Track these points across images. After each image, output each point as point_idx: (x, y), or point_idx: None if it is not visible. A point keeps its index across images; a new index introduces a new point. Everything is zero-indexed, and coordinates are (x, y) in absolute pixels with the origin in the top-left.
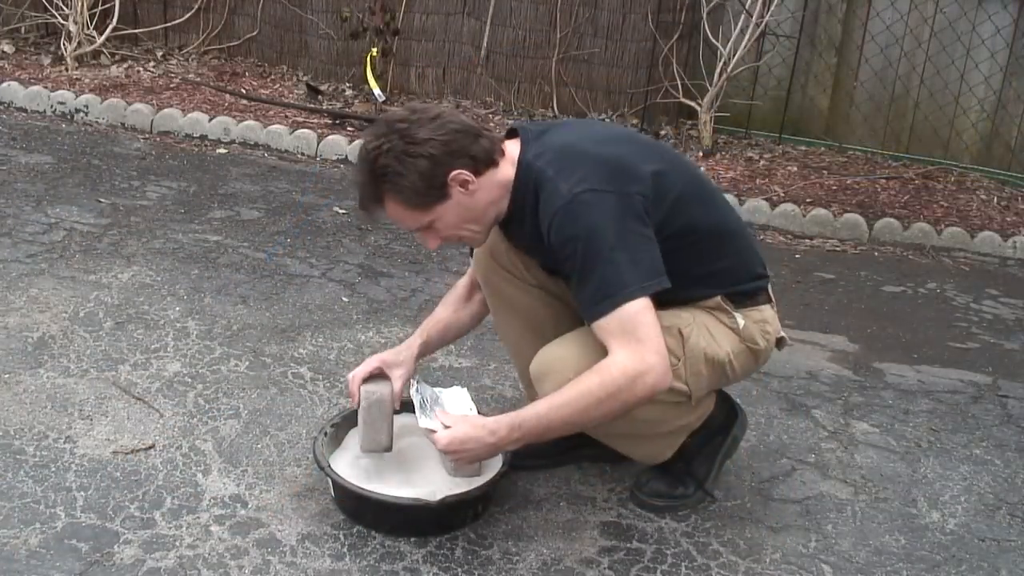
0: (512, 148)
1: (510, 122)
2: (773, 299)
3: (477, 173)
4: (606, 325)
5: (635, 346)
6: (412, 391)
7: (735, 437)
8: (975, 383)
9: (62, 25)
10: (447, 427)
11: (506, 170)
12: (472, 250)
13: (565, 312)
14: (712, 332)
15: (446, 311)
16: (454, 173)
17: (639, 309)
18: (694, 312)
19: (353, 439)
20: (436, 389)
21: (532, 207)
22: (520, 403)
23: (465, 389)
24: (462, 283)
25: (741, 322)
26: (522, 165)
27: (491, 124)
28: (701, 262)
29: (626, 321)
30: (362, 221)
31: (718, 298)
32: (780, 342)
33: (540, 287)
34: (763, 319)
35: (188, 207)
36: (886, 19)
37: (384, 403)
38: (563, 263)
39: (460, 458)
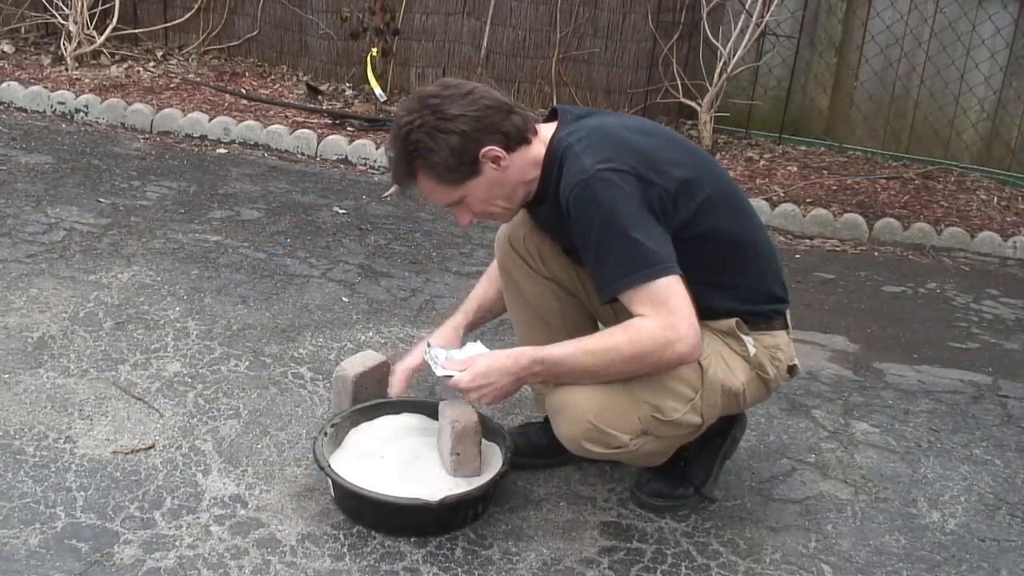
0: (548, 129)
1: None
2: (790, 325)
3: (509, 149)
4: (635, 295)
5: (666, 315)
6: (426, 356)
7: (734, 438)
8: (975, 383)
9: (62, 25)
10: (463, 371)
11: (538, 148)
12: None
13: (574, 308)
14: (728, 362)
15: (492, 286)
16: (485, 149)
17: (671, 283)
18: (709, 339)
19: (353, 439)
20: (451, 351)
21: (556, 181)
22: (520, 401)
23: (479, 342)
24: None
25: (752, 350)
26: (553, 141)
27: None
28: (722, 272)
29: (654, 293)
30: (398, 198)
31: (732, 323)
32: (792, 369)
33: (553, 280)
34: (775, 345)
35: (188, 207)
36: (886, 19)
37: (346, 380)
38: (577, 237)
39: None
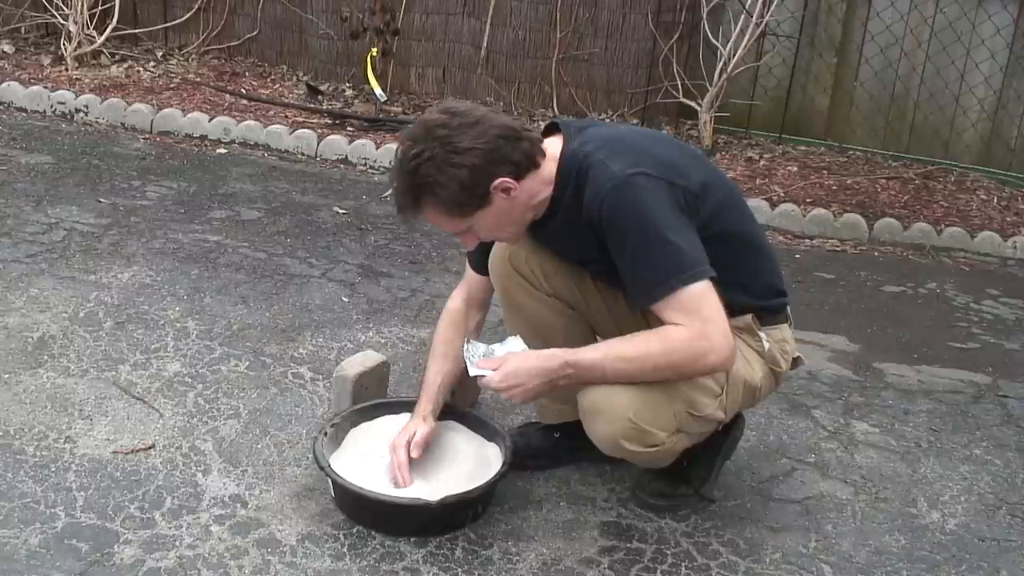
0: (553, 145)
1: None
2: (791, 318)
3: (519, 178)
4: (669, 304)
5: (700, 325)
6: (464, 352)
7: (734, 438)
8: (975, 383)
9: (62, 25)
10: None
11: (548, 168)
12: (470, 257)
13: (574, 321)
14: (747, 358)
15: (452, 360)
16: (497, 181)
17: (704, 291)
18: None
19: (353, 439)
20: (492, 346)
21: (574, 192)
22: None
23: (519, 337)
24: (457, 311)
25: (766, 345)
26: (566, 155)
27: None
28: (737, 270)
29: (687, 301)
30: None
31: (748, 318)
32: (796, 361)
33: (555, 296)
34: (783, 338)
35: (188, 207)
36: (886, 19)
37: (346, 380)
38: (613, 243)
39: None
